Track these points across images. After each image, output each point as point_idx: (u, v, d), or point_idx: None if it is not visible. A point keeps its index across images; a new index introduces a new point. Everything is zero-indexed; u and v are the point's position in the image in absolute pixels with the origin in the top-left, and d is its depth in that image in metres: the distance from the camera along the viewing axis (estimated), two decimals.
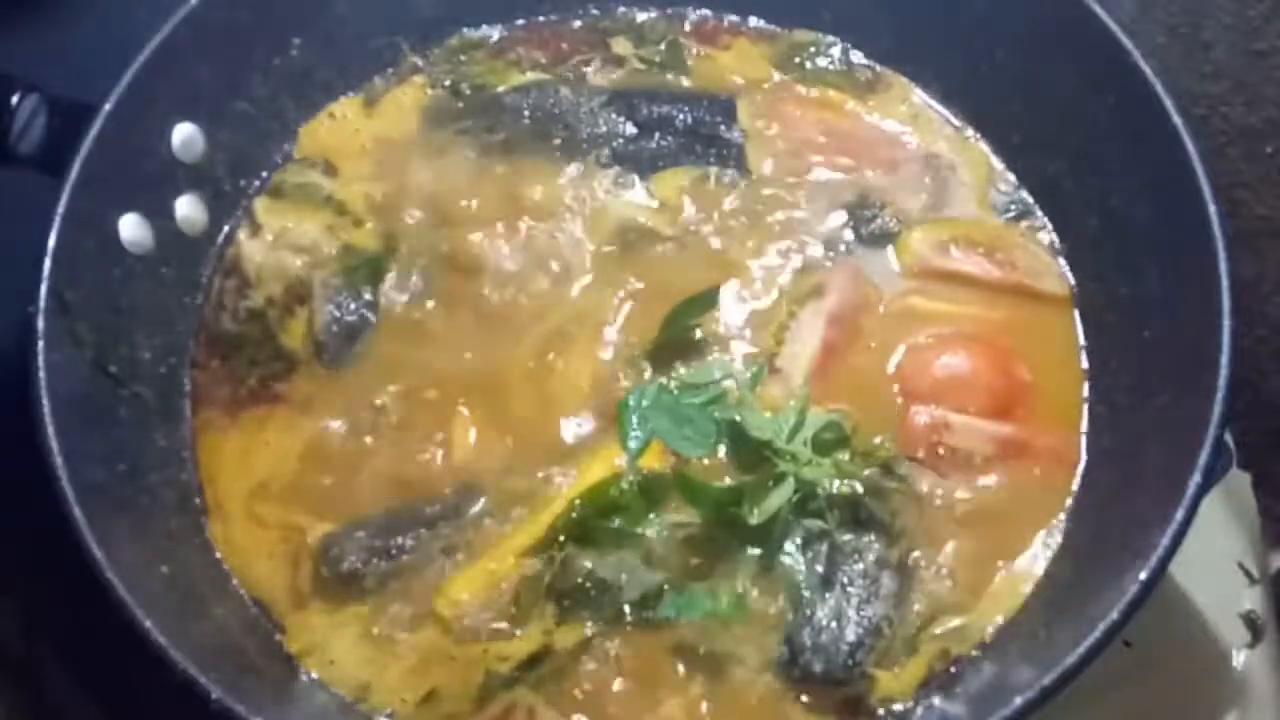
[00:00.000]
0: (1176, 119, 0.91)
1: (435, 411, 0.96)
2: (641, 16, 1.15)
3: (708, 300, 0.97)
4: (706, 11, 1.15)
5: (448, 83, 1.11)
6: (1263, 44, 1.05)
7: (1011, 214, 1.04)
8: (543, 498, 0.91)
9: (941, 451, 0.93)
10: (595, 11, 1.15)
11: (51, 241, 0.88)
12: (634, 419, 0.92)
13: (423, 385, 0.97)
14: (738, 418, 0.91)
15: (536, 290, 1.00)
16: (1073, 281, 1.01)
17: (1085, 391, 0.97)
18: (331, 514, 0.92)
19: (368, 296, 1.00)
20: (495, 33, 1.14)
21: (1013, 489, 0.92)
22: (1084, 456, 0.94)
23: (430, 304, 1.00)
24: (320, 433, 0.96)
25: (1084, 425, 0.96)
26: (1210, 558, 1.03)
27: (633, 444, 0.91)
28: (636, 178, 1.05)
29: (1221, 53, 1.07)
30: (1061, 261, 1.02)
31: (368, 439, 0.95)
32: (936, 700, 0.85)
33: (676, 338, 0.97)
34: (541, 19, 1.15)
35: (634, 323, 0.98)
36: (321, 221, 1.03)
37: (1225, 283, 0.86)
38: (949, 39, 1.07)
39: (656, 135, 1.07)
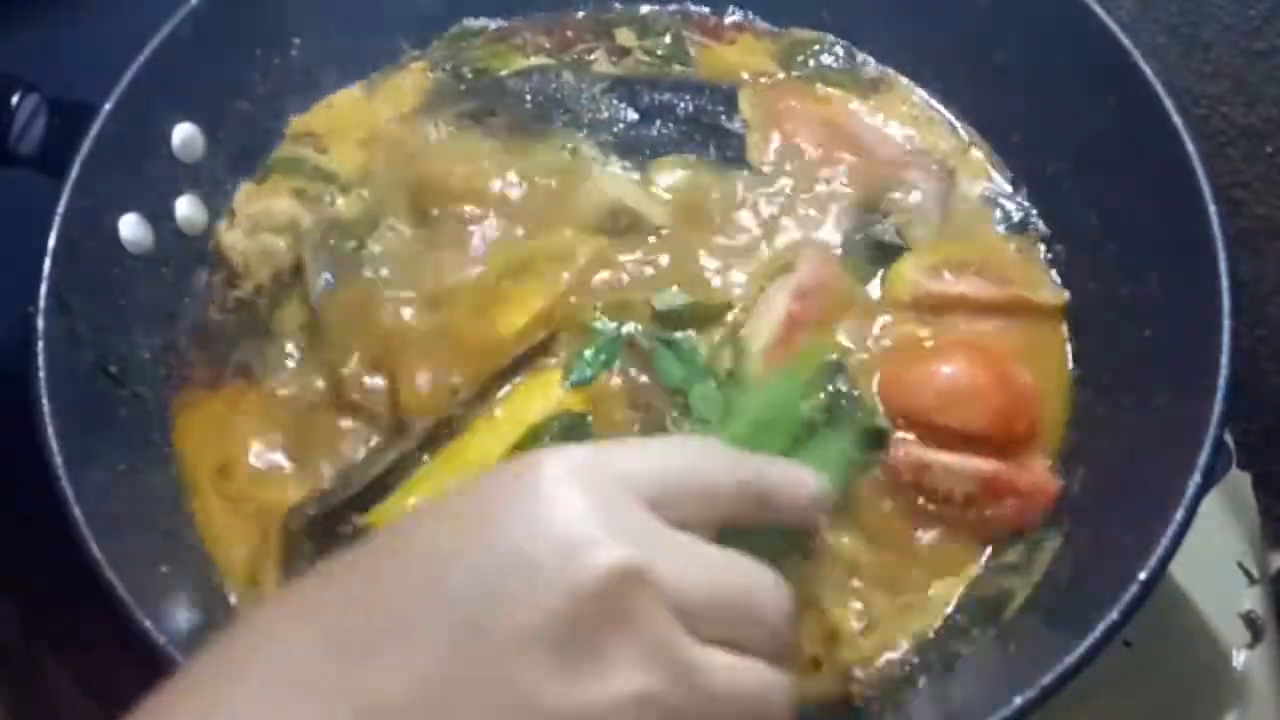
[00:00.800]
0: (1176, 119, 0.91)
1: (394, 364, 0.95)
2: (644, 9, 1.15)
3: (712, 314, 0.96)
4: (705, 9, 1.15)
5: (449, 66, 1.11)
6: (1263, 44, 1.05)
7: (1011, 219, 1.04)
8: (471, 424, 0.91)
9: (924, 486, 0.90)
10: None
11: (51, 241, 0.88)
12: (597, 350, 0.92)
13: (389, 344, 0.96)
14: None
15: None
16: (1068, 287, 1.01)
17: (1085, 392, 0.97)
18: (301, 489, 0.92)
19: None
20: (494, 23, 1.14)
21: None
22: (1084, 457, 0.94)
23: (415, 268, 0.99)
24: (291, 403, 0.95)
25: (1083, 426, 0.95)
26: (1210, 558, 1.03)
27: (583, 373, 0.91)
28: (635, 163, 1.04)
29: (1221, 53, 1.07)
30: (1061, 262, 1.02)
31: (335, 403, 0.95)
32: (936, 700, 0.85)
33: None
34: (541, 15, 1.15)
35: (611, 297, 0.97)
36: (296, 194, 1.02)
37: (1225, 283, 0.86)
38: (949, 39, 1.07)
39: (657, 122, 1.07)
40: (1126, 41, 0.95)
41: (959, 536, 0.90)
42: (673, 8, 1.15)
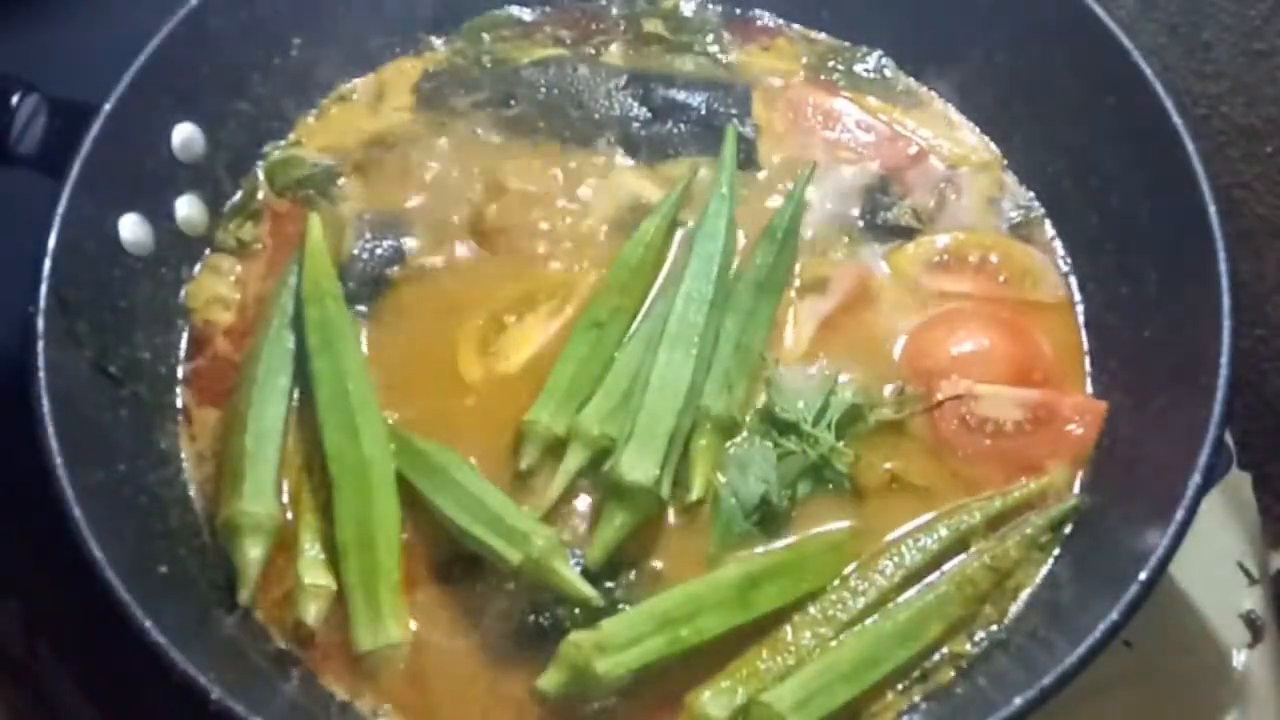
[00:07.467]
0: (1176, 119, 0.91)
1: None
2: (683, 7, 1.15)
3: None
4: (737, 9, 1.14)
5: (469, 54, 1.11)
6: (1263, 44, 1.05)
7: (1014, 219, 1.04)
8: None
9: (971, 422, 0.92)
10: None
11: (51, 241, 0.88)
12: None
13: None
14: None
15: (543, 251, 1.01)
16: (1074, 285, 1.01)
17: (1086, 391, 0.97)
18: None
19: (393, 242, 1.01)
20: (522, 11, 1.14)
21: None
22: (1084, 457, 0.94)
23: (441, 260, 1.01)
24: None
25: None
26: (1210, 558, 1.03)
27: None
28: (645, 162, 1.05)
29: (1221, 53, 1.07)
30: (1061, 262, 1.02)
31: None
32: (935, 700, 0.86)
33: None
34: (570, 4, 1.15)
35: None
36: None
37: (1225, 283, 0.86)
38: (949, 39, 1.07)
39: (669, 122, 1.07)
40: (1126, 41, 0.95)
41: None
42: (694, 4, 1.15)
